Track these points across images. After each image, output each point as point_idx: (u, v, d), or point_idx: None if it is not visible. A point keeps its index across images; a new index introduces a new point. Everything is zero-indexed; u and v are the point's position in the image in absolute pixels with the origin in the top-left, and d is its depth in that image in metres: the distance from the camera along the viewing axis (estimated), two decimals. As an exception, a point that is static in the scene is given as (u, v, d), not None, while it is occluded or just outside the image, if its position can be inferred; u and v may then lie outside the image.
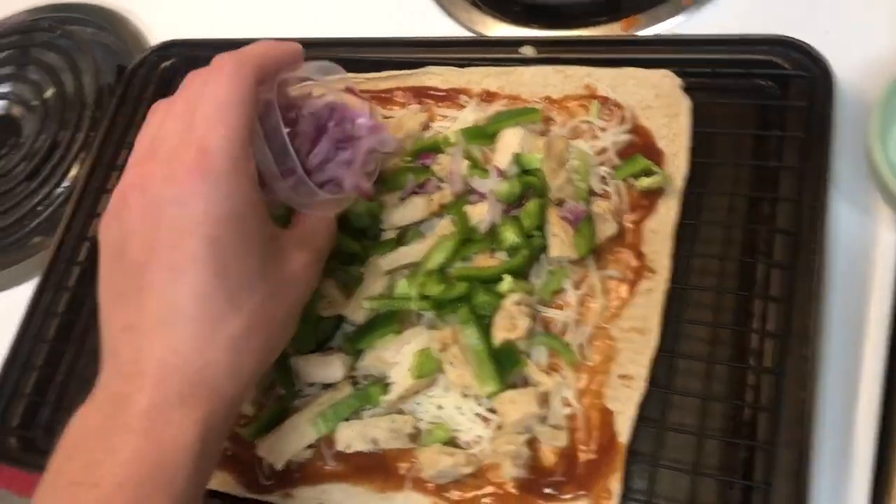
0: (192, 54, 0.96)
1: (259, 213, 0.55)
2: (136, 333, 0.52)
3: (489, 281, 0.67)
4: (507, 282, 0.66)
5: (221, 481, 0.71)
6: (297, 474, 0.69)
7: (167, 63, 0.97)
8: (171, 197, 0.51)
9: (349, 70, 0.84)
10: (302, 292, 0.61)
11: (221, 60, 0.56)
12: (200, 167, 0.51)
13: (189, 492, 0.50)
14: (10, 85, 1.13)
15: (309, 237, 0.62)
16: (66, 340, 0.86)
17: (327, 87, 0.69)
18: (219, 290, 0.52)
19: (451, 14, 0.91)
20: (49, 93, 1.08)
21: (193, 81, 0.57)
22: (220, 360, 0.53)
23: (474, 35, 0.88)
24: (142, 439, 0.49)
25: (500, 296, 0.66)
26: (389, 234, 0.74)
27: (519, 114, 0.73)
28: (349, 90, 0.68)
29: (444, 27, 0.90)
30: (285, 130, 0.60)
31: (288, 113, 0.63)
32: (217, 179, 0.52)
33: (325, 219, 0.64)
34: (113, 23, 1.10)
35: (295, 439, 0.68)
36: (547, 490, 0.62)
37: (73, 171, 1.02)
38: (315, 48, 0.88)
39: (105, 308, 0.55)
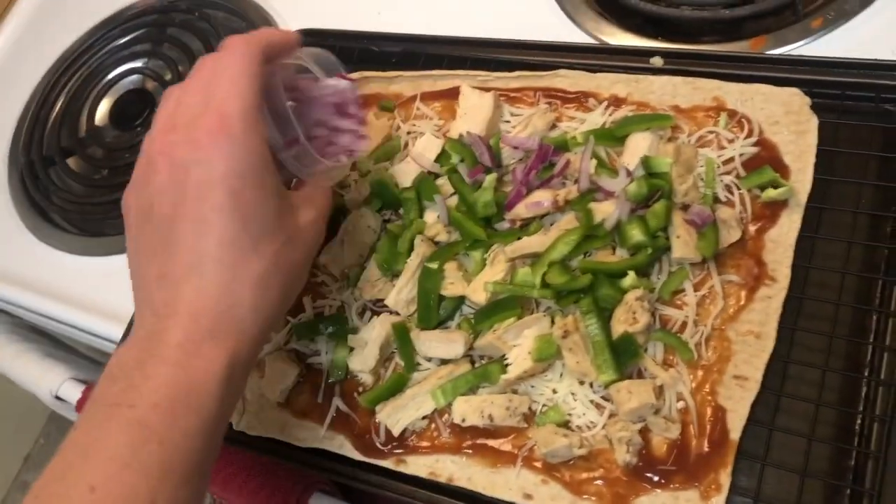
0: (325, 44, 0.99)
1: (272, 170, 0.61)
2: (169, 280, 0.58)
3: (613, 275, 0.70)
4: (630, 277, 0.69)
5: (338, 444, 0.75)
6: (412, 442, 0.73)
7: (301, 50, 1.02)
8: (196, 158, 0.57)
9: (477, 69, 0.89)
10: (313, 242, 0.66)
11: (231, 41, 0.63)
12: (221, 130, 0.57)
13: (216, 415, 0.56)
14: (147, 60, 1.20)
15: (312, 197, 0.68)
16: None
17: (322, 71, 0.73)
18: (242, 236, 0.58)
19: (578, 23, 0.95)
20: (183, 70, 1.14)
21: (205, 63, 0.63)
22: (245, 299, 0.59)
23: (602, 42, 0.91)
24: (175, 368, 0.55)
25: (623, 290, 0.69)
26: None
27: (651, 119, 0.76)
28: (340, 76, 0.73)
29: (571, 35, 0.94)
30: (288, 104, 0.66)
31: (289, 93, 0.69)
32: (236, 138, 0.58)
33: (324, 184, 0.71)
34: (246, 9, 1.16)
35: (413, 408, 0.72)
36: (655, 478, 0.65)
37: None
38: (445, 46, 0.93)
39: (137, 264, 0.61)
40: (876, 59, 0.74)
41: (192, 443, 0.55)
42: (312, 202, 0.67)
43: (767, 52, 0.83)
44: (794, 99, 0.74)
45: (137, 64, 1.21)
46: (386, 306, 0.78)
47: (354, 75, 0.94)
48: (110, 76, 1.21)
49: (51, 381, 1.04)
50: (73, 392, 1.02)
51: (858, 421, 0.64)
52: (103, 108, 1.20)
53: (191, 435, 0.55)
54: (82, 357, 1.17)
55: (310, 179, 0.69)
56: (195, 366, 0.56)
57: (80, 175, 1.15)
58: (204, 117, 0.58)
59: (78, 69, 1.23)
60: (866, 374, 0.65)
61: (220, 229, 0.57)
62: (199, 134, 0.58)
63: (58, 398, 1.04)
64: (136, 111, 1.16)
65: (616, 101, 0.81)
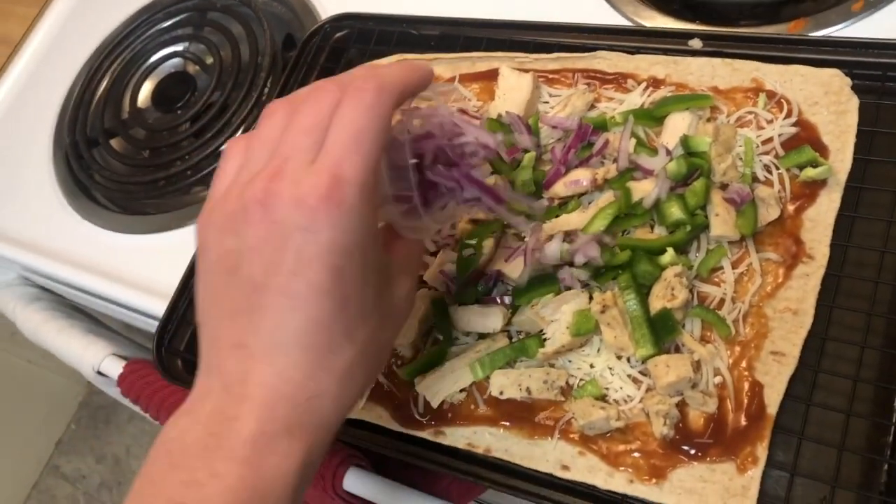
0: (364, 27, 1.02)
1: (378, 244, 0.55)
2: (246, 353, 0.51)
3: (652, 252, 0.71)
4: (669, 254, 0.70)
5: (377, 415, 0.76)
6: (450, 414, 0.74)
7: (340, 34, 1.04)
8: (299, 222, 0.50)
9: (515, 51, 0.90)
10: (405, 317, 0.61)
11: (362, 83, 0.54)
12: (334, 197, 0.50)
13: None
14: (188, 44, 1.22)
15: (409, 262, 0.62)
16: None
17: (442, 106, 0.66)
18: (337, 320, 0.51)
19: (616, 7, 0.95)
20: (225, 54, 1.16)
21: (324, 95, 0.54)
22: (330, 390, 0.52)
23: (640, 26, 0.92)
24: (245, 468, 0.49)
25: (661, 267, 0.70)
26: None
27: (690, 99, 0.77)
28: (462, 111, 0.68)
29: (609, 18, 0.94)
30: (412, 162, 0.60)
31: (405, 136, 0.62)
32: (348, 210, 0.50)
33: (420, 242, 0.65)
34: (287, -6, 1.18)
35: (451, 381, 0.74)
36: (692, 451, 0.66)
37: (240, 132, 1.10)
38: (484, 28, 0.94)
39: (211, 318, 0.54)
40: (918, 41, 0.75)
41: None
42: (409, 270, 0.61)
43: (807, 35, 0.84)
44: (834, 80, 0.75)
45: (179, 48, 1.23)
46: (425, 282, 0.79)
47: (394, 58, 0.96)
48: (152, 59, 1.24)
49: (93, 357, 1.07)
50: (114, 367, 1.04)
51: (896, 397, 0.64)
52: (146, 91, 1.22)
53: None
54: (120, 336, 1.19)
55: (410, 235, 0.63)
56: (268, 464, 0.50)
57: (122, 155, 1.17)
58: (315, 173, 0.51)
59: (121, 52, 1.26)
60: (904, 350, 0.65)
61: (313, 310, 0.51)
62: (308, 193, 0.50)
63: (100, 373, 1.06)
64: (178, 94, 1.18)
65: (655, 83, 0.82)
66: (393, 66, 0.58)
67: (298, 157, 0.52)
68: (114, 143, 1.20)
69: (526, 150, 0.80)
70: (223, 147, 1.08)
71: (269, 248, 0.51)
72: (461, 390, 0.74)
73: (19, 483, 2.69)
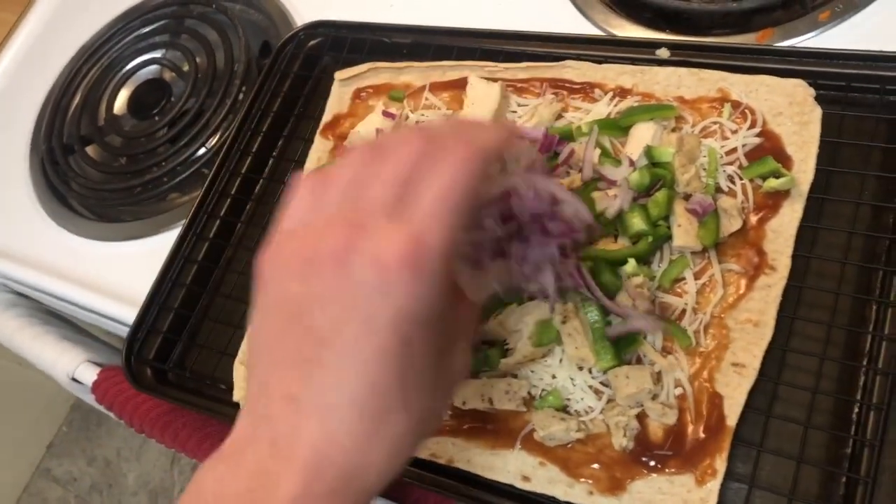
0: (338, 35, 1.02)
1: (448, 314, 0.52)
2: (298, 407, 0.49)
3: (614, 263, 0.70)
4: (631, 265, 0.70)
5: (341, 425, 0.76)
6: (413, 425, 0.74)
7: (314, 41, 1.04)
8: (376, 284, 0.47)
9: (486, 60, 0.90)
10: (458, 385, 0.57)
11: (455, 143, 0.51)
12: (413, 261, 0.47)
13: None
14: (165, 51, 1.22)
15: (469, 325, 0.58)
16: (203, 285, 0.94)
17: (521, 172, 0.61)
18: (397, 389, 0.49)
19: (586, 15, 0.95)
20: (200, 61, 1.16)
21: (411, 148, 0.51)
22: (379, 461, 0.49)
23: (611, 35, 0.92)
24: None
25: (623, 278, 0.70)
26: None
27: (654, 109, 0.77)
28: (542, 170, 0.62)
29: (580, 27, 0.94)
30: (498, 232, 0.58)
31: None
32: (427, 279, 0.47)
33: (478, 304, 0.61)
34: (261, 1, 1.18)
35: (415, 392, 0.73)
36: (651, 462, 0.66)
37: (215, 138, 1.10)
38: (455, 37, 0.94)
39: (263, 362, 0.52)
40: (881, 51, 0.75)
41: None
42: (467, 333, 0.57)
43: (773, 45, 0.84)
44: (798, 90, 0.75)
45: (156, 55, 1.23)
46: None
47: (364, 66, 0.96)
48: (129, 66, 1.23)
49: (67, 364, 1.06)
50: (88, 374, 1.04)
51: (856, 409, 0.64)
52: (122, 98, 1.22)
53: None
54: (97, 341, 1.19)
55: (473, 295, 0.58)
56: None
57: (98, 162, 1.17)
58: (399, 236, 0.47)
59: (98, 59, 1.26)
60: (864, 363, 0.65)
61: (376, 375, 0.48)
62: (387, 253, 0.47)
63: (74, 380, 1.06)
64: (154, 100, 1.18)
65: (621, 92, 0.82)
66: (487, 127, 0.56)
67: (381, 212, 0.49)
68: (90, 150, 1.19)
69: (492, 160, 0.80)
70: (200, 151, 1.09)
71: (338, 304, 0.48)
72: (425, 401, 0.74)
73: (10, 485, 2.69)
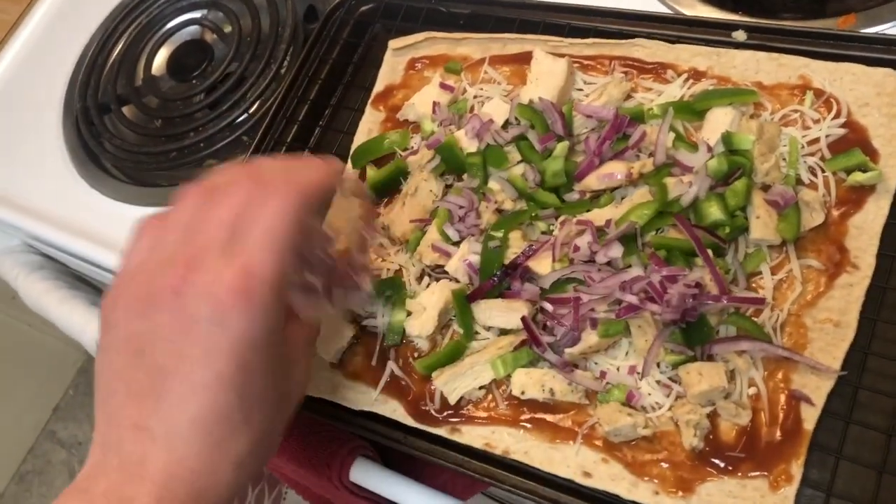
0: (391, 1, 0.98)
1: (283, 336, 0.56)
2: (147, 436, 0.51)
3: (688, 253, 0.67)
4: (706, 253, 0.66)
5: (391, 409, 0.74)
6: (467, 412, 0.71)
7: (366, 7, 1.00)
8: (211, 315, 0.51)
9: (549, 34, 0.86)
10: (298, 399, 0.61)
11: (282, 185, 0.56)
12: (245, 291, 0.51)
13: None
14: (207, 11, 1.18)
15: (306, 346, 0.63)
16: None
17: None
18: (238, 410, 0.53)
19: (656, -8, 0.91)
20: (244, 24, 1.12)
21: (240, 190, 0.55)
22: (226, 479, 0.53)
23: (679, 14, 0.88)
24: None
25: (697, 269, 0.67)
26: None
27: (734, 93, 0.73)
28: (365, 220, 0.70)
29: (649, 4, 0.90)
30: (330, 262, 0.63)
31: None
32: (258, 307, 0.52)
33: (315, 326, 0.65)
34: (308, -35, 1.14)
35: (471, 377, 0.71)
36: (722, 464, 0.63)
37: (257, 104, 1.06)
38: (517, 9, 0.90)
39: (112, 397, 0.54)
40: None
41: None
42: (305, 354, 0.62)
43: (858, 31, 0.80)
44: (888, 80, 0.71)
45: (197, 15, 1.19)
46: (445, 272, 0.76)
47: (421, 35, 0.92)
48: (169, 25, 1.20)
49: (95, 330, 1.04)
50: (117, 341, 1.01)
51: (941, 419, 0.61)
52: (161, 58, 1.18)
53: None
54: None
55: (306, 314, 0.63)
56: None
57: (134, 123, 1.14)
58: (229, 269, 0.52)
59: (138, 17, 1.22)
60: (951, 371, 0.62)
61: (217, 401, 0.52)
62: (221, 289, 0.51)
63: (102, 347, 1.03)
64: (194, 62, 1.14)
65: (696, 74, 0.78)
66: (311, 168, 0.60)
67: (214, 249, 0.53)
68: (126, 110, 1.16)
69: (559, 139, 0.76)
70: (241, 118, 1.06)
71: (178, 336, 0.52)
72: (480, 387, 0.71)
73: (15, 446, 2.68)
